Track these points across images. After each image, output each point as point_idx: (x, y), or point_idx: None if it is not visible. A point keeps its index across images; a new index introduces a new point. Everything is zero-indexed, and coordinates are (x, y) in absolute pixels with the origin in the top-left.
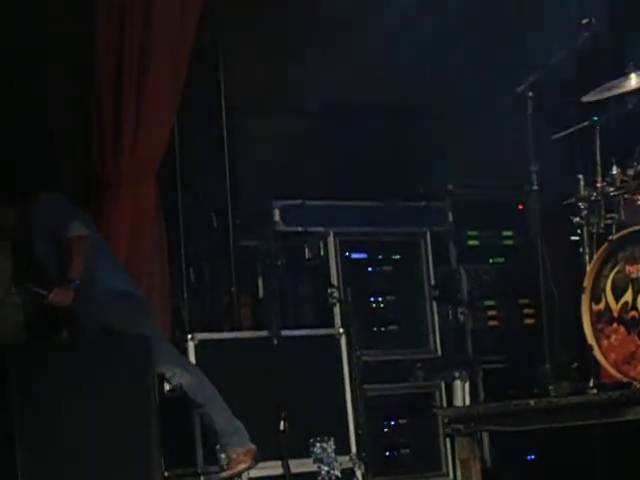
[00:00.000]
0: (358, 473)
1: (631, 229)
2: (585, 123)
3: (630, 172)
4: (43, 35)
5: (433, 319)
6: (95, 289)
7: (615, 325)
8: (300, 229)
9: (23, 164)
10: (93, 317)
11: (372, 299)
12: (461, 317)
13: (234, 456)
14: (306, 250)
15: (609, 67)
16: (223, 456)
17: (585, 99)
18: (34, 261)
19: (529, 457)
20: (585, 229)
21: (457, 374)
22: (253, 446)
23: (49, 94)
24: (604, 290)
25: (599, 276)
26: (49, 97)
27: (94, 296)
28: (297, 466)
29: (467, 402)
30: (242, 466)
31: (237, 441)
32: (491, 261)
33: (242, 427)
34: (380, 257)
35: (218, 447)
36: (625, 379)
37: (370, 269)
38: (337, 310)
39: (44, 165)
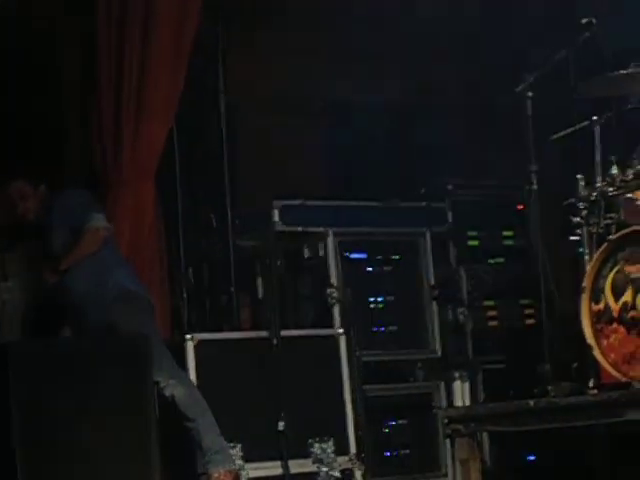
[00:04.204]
0: (357, 474)
1: (631, 229)
2: (585, 123)
3: (629, 172)
4: (44, 40)
5: (433, 319)
6: (108, 286)
7: (615, 325)
8: (299, 229)
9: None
10: (102, 314)
11: (371, 299)
12: (461, 317)
13: (215, 475)
14: (305, 250)
15: (610, 67)
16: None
17: (583, 91)
18: (49, 251)
19: (529, 458)
20: (585, 229)
21: (457, 374)
22: (235, 467)
23: (50, 96)
24: (604, 290)
25: (599, 276)
26: (50, 99)
27: (106, 292)
28: (296, 466)
29: (467, 402)
30: None
31: (220, 460)
32: (491, 261)
33: (227, 447)
34: (379, 257)
35: (201, 463)
36: (625, 379)
37: (369, 269)
38: (336, 310)
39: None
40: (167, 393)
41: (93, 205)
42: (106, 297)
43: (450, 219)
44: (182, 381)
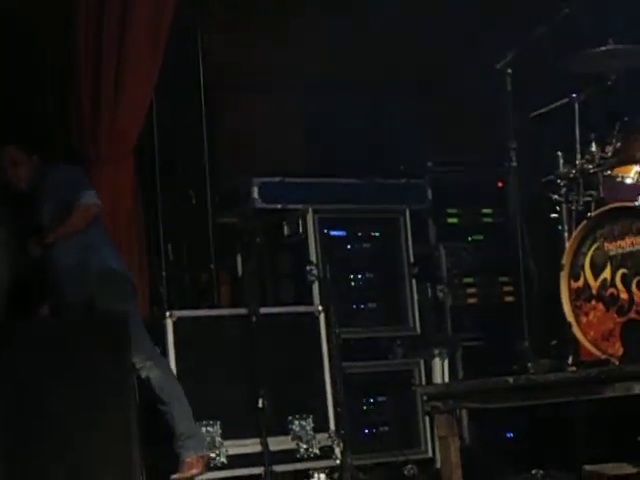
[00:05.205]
0: (337, 450)
1: (610, 206)
2: (564, 100)
3: (609, 149)
4: (22, 15)
5: (412, 297)
6: (92, 263)
7: (594, 302)
8: (279, 206)
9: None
10: (83, 291)
11: (351, 276)
12: (440, 295)
13: (187, 460)
14: (285, 227)
15: (589, 43)
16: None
17: (563, 67)
18: (36, 222)
19: (507, 434)
20: (564, 206)
21: (436, 351)
22: (207, 453)
23: (26, 72)
24: (583, 267)
25: (578, 253)
26: (27, 76)
27: (89, 270)
28: (275, 443)
29: (446, 379)
30: (193, 471)
31: (192, 445)
32: (470, 239)
33: (201, 432)
34: (359, 234)
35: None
36: (604, 356)
37: (349, 246)
38: (316, 287)
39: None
40: (143, 375)
41: (85, 181)
42: (89, 274)
43: (430, 196)
44: (159, 364)
